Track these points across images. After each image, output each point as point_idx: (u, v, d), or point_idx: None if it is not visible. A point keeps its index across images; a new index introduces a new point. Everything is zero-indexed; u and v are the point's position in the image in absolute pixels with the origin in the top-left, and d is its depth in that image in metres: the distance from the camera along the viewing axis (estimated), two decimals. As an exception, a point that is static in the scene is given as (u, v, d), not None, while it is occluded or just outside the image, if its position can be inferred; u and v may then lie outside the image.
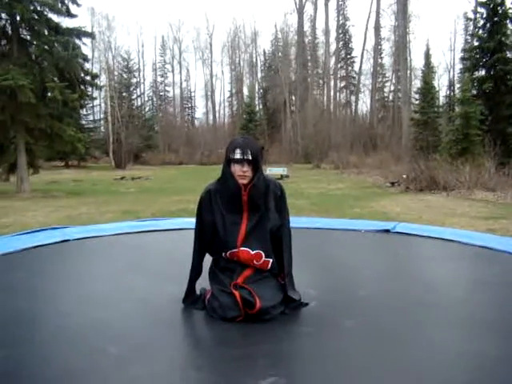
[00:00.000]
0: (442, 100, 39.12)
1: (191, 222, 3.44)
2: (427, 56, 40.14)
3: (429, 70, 35.17)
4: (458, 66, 35.28)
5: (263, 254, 1.73)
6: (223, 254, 1.77)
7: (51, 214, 10.73)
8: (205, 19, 55.18)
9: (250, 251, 1.72)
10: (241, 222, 1.74)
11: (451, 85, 42.65)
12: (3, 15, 15.72)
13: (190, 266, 1.77)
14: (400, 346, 1.37)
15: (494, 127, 20.21)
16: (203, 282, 1.79)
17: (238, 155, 1.73)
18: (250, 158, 1.72)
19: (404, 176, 17.57)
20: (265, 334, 1.45)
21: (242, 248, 1.73)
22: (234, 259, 1.75)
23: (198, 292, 1.81)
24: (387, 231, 3.13)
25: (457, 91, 33.82)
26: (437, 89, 35.48)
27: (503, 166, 16.15)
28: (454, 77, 42.41)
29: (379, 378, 1.18)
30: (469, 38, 31.29)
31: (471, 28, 28.25)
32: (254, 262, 1.72)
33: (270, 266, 1.75)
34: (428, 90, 30.05)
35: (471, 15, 26.74)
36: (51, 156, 31.87)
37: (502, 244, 2.67)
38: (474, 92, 21.54)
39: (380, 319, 1.59)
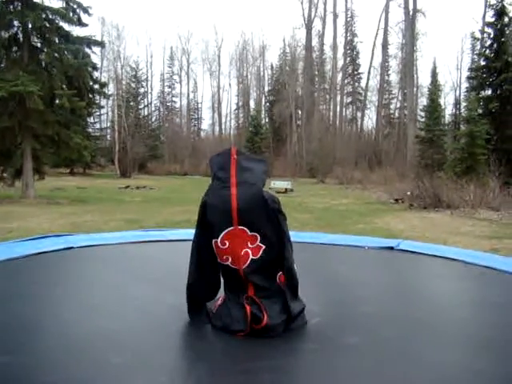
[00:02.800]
0: (447, 118, 39.24)
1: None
2: (434, 74, 40.37)
3: (435, 88, 35.29)
4: (465, 85, 35.43)
5: (259, 238, 1.58)
6: (217, 241, 1.60)
7: (55, 221, 10.77)
8: (214, 31, 56.10)
9: (248, 231, 1.57)
10: (230, 188, 1.57)
11: (457, 103, 42.84)
12: (15, 23, 15.94)
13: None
14: (403, 365, 1.37)
15: (499, 146, 20.26)
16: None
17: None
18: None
19: (408, 193, 17.60)
20: (268, 349, 1.44)
21: (239, 227, 1.57)
22: (227, 244, 1.58)
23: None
24: (391, 248, 3.12)
25: (463, 110, 33.95)
26: (443, 107, 35.62)
27: (508, 185, 16.19)
28: (460, 95, 42.64)
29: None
30: (476, 57, 31.47)
31: (478, 47, 28.39)
32: (249, 243, 1.57)
33: (260, 252, 1.58)
34: (434, 108, 30.17)
35: (478, 35, 26.90)
36: (57, 163, 32.08)
37: (505, 264, 2.65)
38: (480, 111, 21.64)
39: (383, 337, 1.59)
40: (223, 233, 1.58)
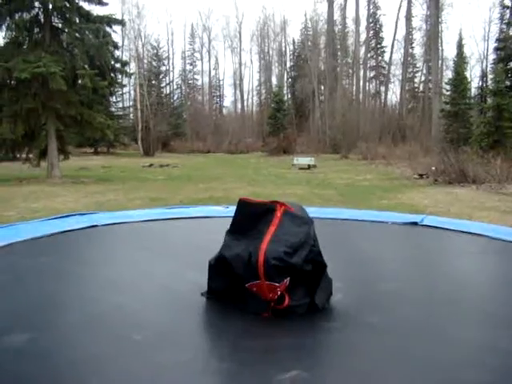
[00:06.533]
0: (473, 91, 38.39)
1: (218, 210, 3.46)
2: (459, 46, 39.36)
3: (461, 61, 34.49)
4: (492, 57, 34.52)
5: (289, 279, 1.42)
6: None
7: (80, 200, 10.91)
8: (234, 7, 55.73)
9: (277, 284, 1.40)
10: (260, 243, 1.40)
11: (484, 76, 41.80)
12: (36, 3, 15.99)
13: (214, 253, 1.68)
14: (426, 344, 1.35)
15: (527, 120, 19.76)
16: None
17: None
18: None
19: (433, 168, 17.36)
20: (289, 327, 1.43)
21: (267, 282, 1.39)
22: (255, 289, 1.44)
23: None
24: (415, 224, 3.07)
25: (489, 82, 33.15)
26: (469, 80, 34.76)
27: (536, 159, 15.81)
28: (486, 67, 41.58)
29: (403, 375, 1.16)
30: (504, 26, 30.58)
31: (507, 16, 27.52)
32: (278, 290, 1.42)
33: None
34: (460, 81, 29.54)
35: (508, 3, 26.01)
36: (81, 142, 32.50)
37: (533, 240, 2.60)
38: (508, 83, 21.12)
39: (406, 315, 1.57)
40: (250, 283, 1.45)
